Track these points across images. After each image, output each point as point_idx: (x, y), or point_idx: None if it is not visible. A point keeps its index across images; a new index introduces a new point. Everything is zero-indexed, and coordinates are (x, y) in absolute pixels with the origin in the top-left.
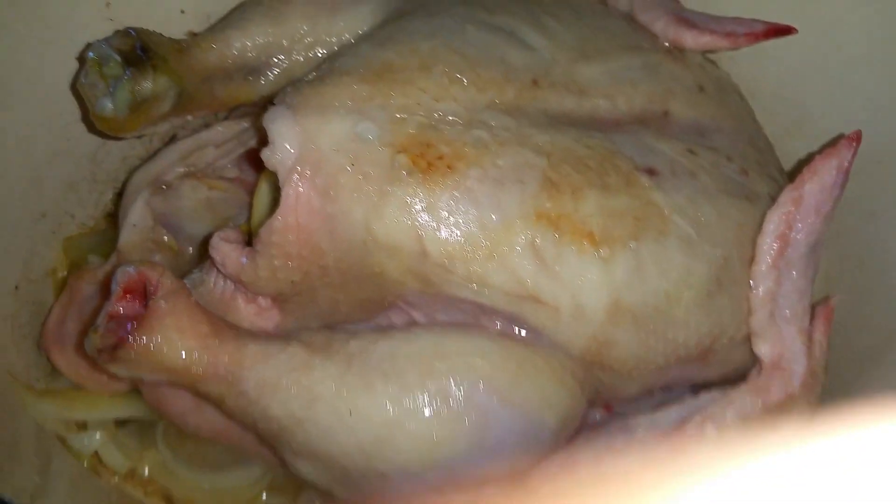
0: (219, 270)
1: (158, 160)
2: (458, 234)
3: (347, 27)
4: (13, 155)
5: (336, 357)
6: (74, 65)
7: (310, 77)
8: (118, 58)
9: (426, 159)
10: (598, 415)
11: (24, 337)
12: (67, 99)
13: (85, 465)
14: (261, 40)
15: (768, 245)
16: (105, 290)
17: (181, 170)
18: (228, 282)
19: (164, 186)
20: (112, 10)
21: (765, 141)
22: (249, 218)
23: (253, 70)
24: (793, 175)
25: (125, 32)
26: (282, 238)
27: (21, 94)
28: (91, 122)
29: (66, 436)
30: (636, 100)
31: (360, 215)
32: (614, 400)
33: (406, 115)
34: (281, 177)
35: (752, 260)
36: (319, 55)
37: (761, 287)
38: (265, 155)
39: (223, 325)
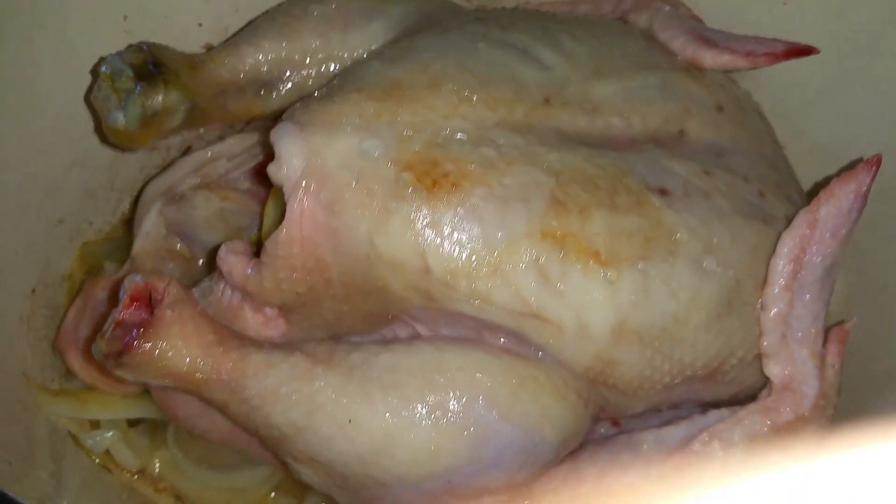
0: (226, 280)
1: (172, 171)
2: (462, 250)
3: (359, 44)
4: (32, 163)
5: (338, 368)
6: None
7: (319, 93)
8: (130, 72)
9: (431, 177)
10: (604, 429)
11: (39, 339)
12: (85, 110)
13: (97, 463)
14: (273, 56)
15: (781, 267)
16: (114, 298)
17: (195, 181)
18: (236, 292)
19: (177, 197)
20: (130, 23)
21: (784, 162)
22: (260, 229)
23: (265, 85)
24: (812, 198)
25: (138, 47)
26: (286, 251)
27: (41, 105)
28: (104, 133)
29: (79, 434)
30: (651, 119)
31: (363, 230)
32: (620, 416)
33: (413, 133)
34: (286, 191)
35: (764, 282)
36: (331, 71)
37: (773, 309)
38: (271, 170)
39: (228, 334)
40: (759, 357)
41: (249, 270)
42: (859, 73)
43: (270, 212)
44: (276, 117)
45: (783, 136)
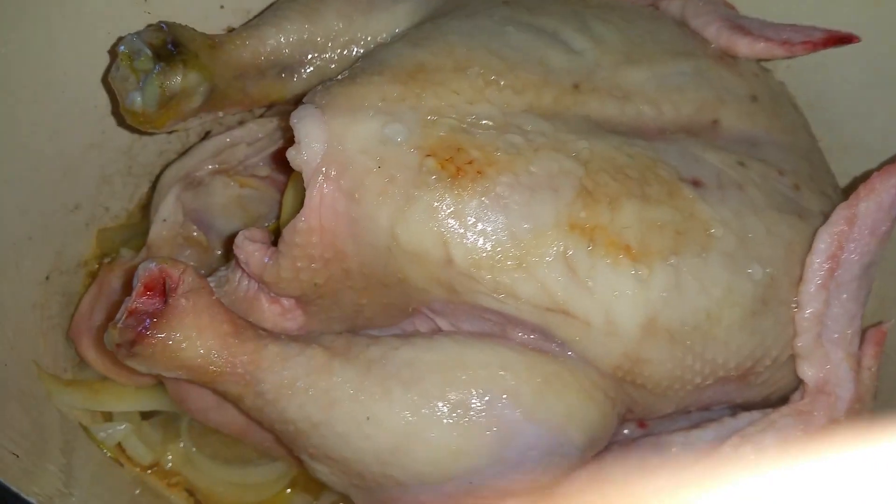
0: (242, 269)
1: (191, 156)
2: (486, 242)
3: (383, 26)
4: (47, 146)
5: (356, 361)
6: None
7: (341, 76)
8: (149, 52)
9: (455, 164)
10: (629, 430)
11: (52, 327)
12: (102, 92)
13: (108, 457)
14: (295, 38)
15: (818, 265)
16: (128, 286)
17: (213, 166)
18: (252, 281)
19: (195, 182)
20: (150, 3)
21: (819, 156)
22: (279, 217)
23: (286, 68)
24: (848, 192)
25: (157, 27)
26: (305, 239)
27: (58, 86)
28: (122, 115)
29: (91, 426)
30: (684, 107)
31: (384, 219)
32: (648, 417)
33: (437, 118)
34: (306, 177)
35: (800, 279)
36: (354, 54)
37: (808, 309)
38: (291, 154)
39: (244, 325)
40: (792, 358)
41: (267, 259)
42: None
43: (290, 199)
44: (297, 101)
45: (819, 129)
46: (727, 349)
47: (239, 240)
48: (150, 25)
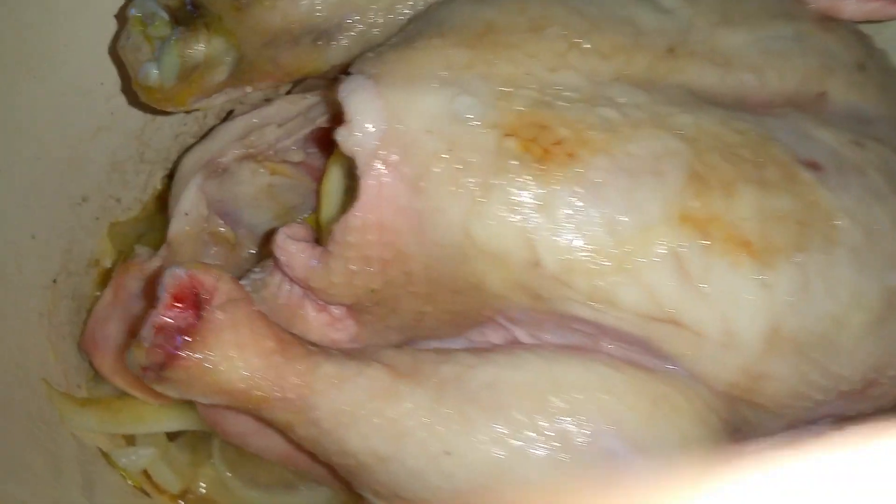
0: (284, 273)
1: (213, 140)
2: (581, 240)
3: None
4: (49, 131)
5: (426, 384)
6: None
7: (394, 41)
8: (165, 15)
9: (540, 145)
10: None
11: (62, 337)
12: (110, 66)
13: (132, 486)
14: None
15: None
16: (151, 294)
17: (239, 151)
18: (296, 287)
19: (219, 170)
20: None
21: None
22: (316, 209)
23: (323, 33)
24: None
25: None
26: (360, 238)
27: (58, 59)
28: (133, 92)
29: (111, 451)
30: (789, 77)
31: (457, 214)
32: (754, 437)
33: (513, 89)
34: (360, 163)
35: None
36: (403, 15)
37: None
38: (341, 136)
39: (291, 341)
40: None
41: (314, 262)
42: None
43: (331, 187)
44: (337, 74)
45: None
46: (853, 359)
47: (280, 239)
48: None
